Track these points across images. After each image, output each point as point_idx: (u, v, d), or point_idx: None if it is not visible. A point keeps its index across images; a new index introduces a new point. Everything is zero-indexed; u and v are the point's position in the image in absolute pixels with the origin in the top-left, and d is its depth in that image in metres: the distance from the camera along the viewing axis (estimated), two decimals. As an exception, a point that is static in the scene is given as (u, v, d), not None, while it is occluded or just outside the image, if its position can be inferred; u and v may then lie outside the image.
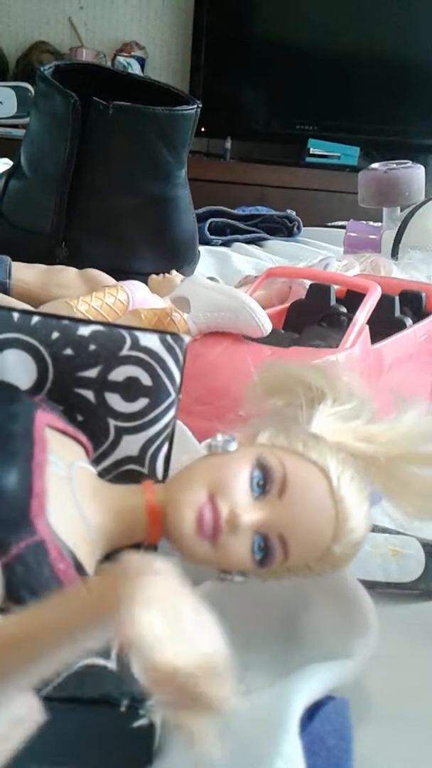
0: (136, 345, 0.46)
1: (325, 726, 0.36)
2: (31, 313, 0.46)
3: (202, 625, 0.28)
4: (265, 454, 0.44)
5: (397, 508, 0.48)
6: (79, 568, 0.39)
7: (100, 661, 0.35)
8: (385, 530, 0.57)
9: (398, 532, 0.57)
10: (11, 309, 0.46)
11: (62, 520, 0.39)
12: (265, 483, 0.43)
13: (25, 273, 1.05)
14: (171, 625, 0.26)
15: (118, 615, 0.26)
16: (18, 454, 0.38)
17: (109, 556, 0.44)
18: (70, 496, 0.41)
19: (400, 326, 0.86)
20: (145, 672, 0.26)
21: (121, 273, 1.09)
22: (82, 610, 0.28)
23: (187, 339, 0.48)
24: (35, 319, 0.46)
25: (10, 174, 1.27)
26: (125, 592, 0.26)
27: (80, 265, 1.10)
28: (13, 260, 1.05)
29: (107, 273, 1.08)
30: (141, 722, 0.35)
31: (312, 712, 0.36)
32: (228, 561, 0.44)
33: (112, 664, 0.35)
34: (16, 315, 0.45)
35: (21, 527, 0.37)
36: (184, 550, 0.43)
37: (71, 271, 1.08)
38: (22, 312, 0.46)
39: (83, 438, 0.46)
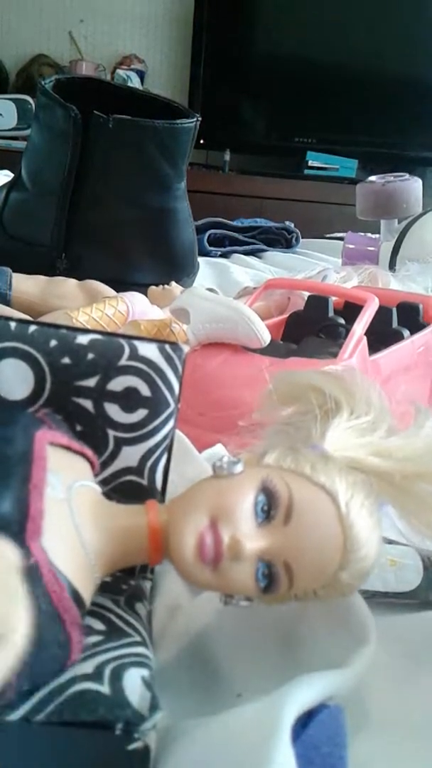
0: (134, 355, 0.46)
1: (319, 734, 0.35)
2: (28, 323, 0.46)
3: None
4: (271, 477, 0.43)
5: (411, 526, 0.47)
6: (75, 594, 0.38)
7: (93, 685, 0.35)
8: (384, 540, 0.57)
9: (396, 542, 0.57)
10: (8, 318, 0.46)
11: (59, 546, 0.39)
12: (269, 508, 0.42)
13: (25, 284, 1.06)
14: None
15: None
16: (14, 476, 0.38)
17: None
18: (69, 519, 0.40)
19: (398, 338, 0.87)
20: None
21: (121, 284, 1.10)
22: None
23: (186, 348, 0.48)
24: (32, 327, 0.46)
25: (10, 186, 1.28)
26: None
27: (80, 277, 1.11)
28: (14, 272, 1.06)
29: (107, 284, 1.08)
30: (136, 745, 0.34)
31: (306, 720, 0.36)
32: (231, 587, 0.42)
33: (104, 689, 0.35)
34: (13, 324, 0.45)
35: (16, 551, 0.36)
36: (186, 575, 0.42)
37: (71, 283, 1.09)
38: (20, 321, 0.46)
39: (89, 452, 0.45)
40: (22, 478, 0.38)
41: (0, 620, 0.28)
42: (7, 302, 1.03)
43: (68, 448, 0.44)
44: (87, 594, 0.40)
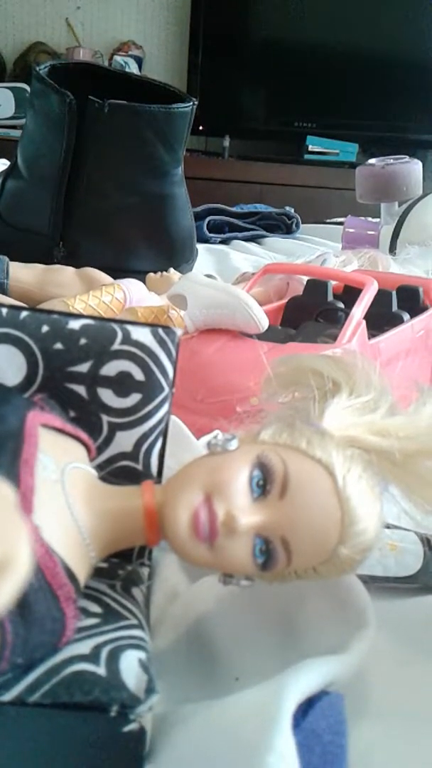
0: (127, 339, 0.46)
1: (319, 721, 0.35)
2: (20, 308, 0.46)
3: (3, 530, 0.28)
4: (267, 452, 0.42)
5: (414, 504, 0.46)
6: (69, 571, 0.38)
7: (89, 667, 0.35)
8: (384, 525, 0.56)
9: (396, 527, 0.56)
10: (0, 305, 0.45)
11: (51, 523, 0.38)
12: (265, 483, 0.41)
13: (22, 273, 1.05)
14: None
15: None
16: (4, 452, 0.37)
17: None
18: (62, 499, 0.40)
19: (398, 321, 0.86)
20: None
21: (118, 272, 1.09)
22: None
23: (179, 332, 0.47)
24: (24, 313, 0.45)
25: (6, 174, 1.27)
26: None
27: (78, 264, 1.10)
28: (11, 260, 1.05)
29: (105, 272, 1.08)
30: (131, 727, 0.34)
31: (306, 708, 0.36)
32: (228, 564, 0.42)
33: (101, 670, 0.35)
34: (4, 310, 0.45)
35: None
36: (182, 553, 0.42)
37: (69, 271, 1.08)
38: (11, 307, 0.45)
39: (84, 435, 0.45)
40: (13, 454, 0.38)
41: (2, 547, 0.27)
42: (5, 291, 1.02)
43: (62, 431, 0.44)
44: (82, 572, 0.40)
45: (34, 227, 1.21)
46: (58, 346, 0.45)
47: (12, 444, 0.38)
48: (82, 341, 0.45)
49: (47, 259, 1.14)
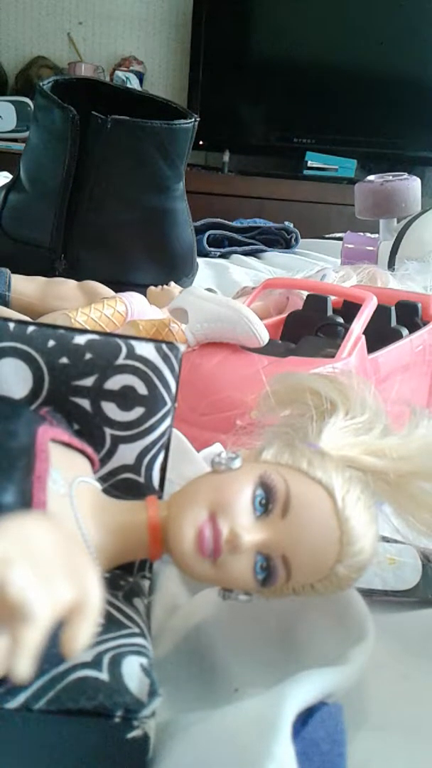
0: (131, 354, 0.47)
1: (318, 731, 0.36)
2: (27, 323, 0.46)
3: (75, 571, 0.29)
4: (269, 472, 0.43)
5: (407, 524, 0.48)
6: None
7: (92, 673, 0.36)
8: (382, 538, 0.57)
9: (395, 541, 0.57)
10: (7, 319, 0.46)
11: None
12: (267, 502, 0.43)
13: (24, 285, 1.06)
14: (29, 561, 0.28)
15: None
16: (17, 469, 0.38)
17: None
18: (70, 514, 0.41)
19: (397, 336, 0.87)
20: None
21: (119, 285, 1.10)
22: None
23: (182, 347, 0.48)
24: (31, 328, 0.46)
25: (9, 187, 1.28)
26: None
27: (79, 278, 1.11)
28: (13, 273, 1.06)
29: (106, 285, 1.09)
30: (135, 733, 0.35)
31: (306, 718, 0.36)
32: (229, 580, 0.43)
33: (104, 675, 0.36)
34: (12, 325, 0.46)
35: None
36: (185, 568, 0.43)
37: (70, 284, 1.09)
38: (18, 322, 0.46)
39: (89, 450, 0.46)
40: (25, 470, 0.39)
41: (77, 589, 0.29)
42: (6, 303, 1.03)
43: (69, 446, 0.44)
44: None
45: (36, 240, 1.23)
46: (64, 360, 0.46)
47: (24, 460, 0.39)
48: (87, 356, 0.46)
49: (49, 272, 1.15)
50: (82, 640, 0.29)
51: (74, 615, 0.29)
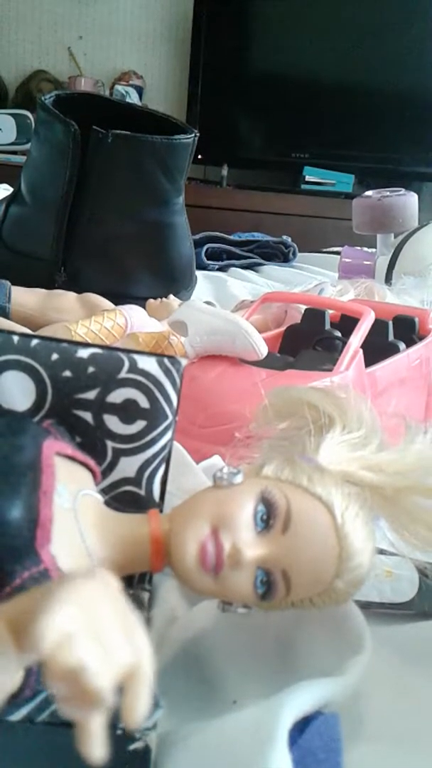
0: (134, 368, 0.47)
1: (315, 740, 0.36)
2: (31, 336, 0.47)
3: (128, 635, 0.29)
4: (270, 488, 0.44)
5: (402, 539, 0.48)
6: None
7: None
8: (379, 551, 0.57)
9: (392, 553, 0.57)
10: (11, 332, 0.47)
11: (67, 554, 0.40)
12: (268, 518, 0.43)
13: (24, 297, 1.07)
14: (88, 630, 0.27)
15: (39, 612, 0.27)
16: (24, 484, 0.39)
17: None
18: (75, 527, 0.42)
19: (394, 351, 0.87)
20: (43, 662, 0.26)
21: (119, 297, 1.11)
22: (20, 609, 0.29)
23: (184, 362, 0.49)
24: (35, 341, 0.47)
25: (10, 200, 1.29)
26: (51, 592, 0.27)
27: (79, 290, 1.11)
28: (13, 284, 1.07)
29: (105, 297, 1.09)
30: (137, 745, 0.35)
31: (302, 727, 0.37)
32: (230, 594, 0.44)
33: None
34: (16, 338, 0.46)
35: (26, 557, 0.37)
36: (187, 582, 0.44)
37: (70, 296, 1.10)
38: (22, 335, 0.47)
39: (92, 462, 0.47)
40: (32, 485, 0.39)
41: (131, 657, 0.28)
42: (6, 315, 1.04)
43: (72, 458, 0.45)
44: None
45: (36, 253, 1.23)
46: (67, 373, 0.46)
47: (31, 475, 0.40)
48: (90, 369, 0.47)
49: (48, 284, 1.16)
50: (143, 708, 0.28)
51: (131, 681, 0.28)
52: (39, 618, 0.26)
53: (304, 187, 3.21)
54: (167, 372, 0.48)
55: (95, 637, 0.27)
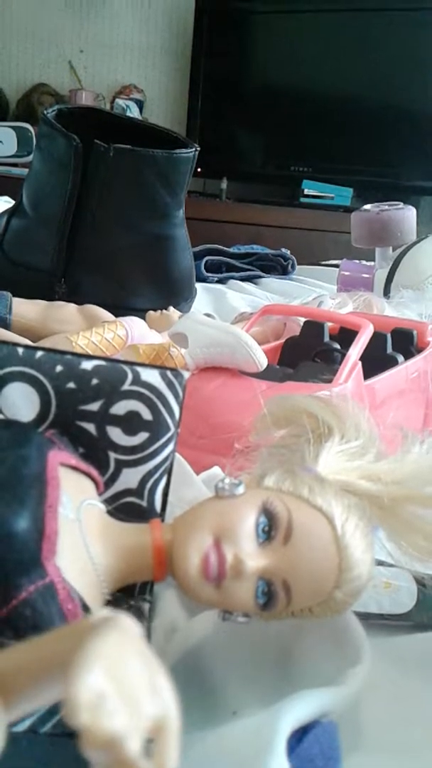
0: (137, 380, 0.48)
1: (313, 748, 0.36)
2: (35, 348, 0.48)
3: (154, 687, 0.28)
4: (272, 499, 0.45)
5: (400, 548, 0.49)
6: (86, 609, 0.40)
7: None
8: (378, 563, 0.58)
9: (391, 565, 0.58)
10: (16, 344, 0.47)
11: (71, 564, 0.40)
12: (270, 529, 0.44)
13: (25, 308, 1.07)
14: (117, 688, 0.27)
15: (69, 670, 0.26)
16: (30, 496, 0.39)
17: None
18: (79, 537, 0.42)
19: (392, 363, 0.88)
20: (81, 732, 0.26)
21: (119, 309, 1.11)
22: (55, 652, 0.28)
23: (186, 375, 0.49)
24: (39, 353, 0.47)
25: (11, 212, 1.30)
26: (80, 648, 0.27)
27: (79, 301, 1.12)
28: (14, 296, 1.07)
29: (106, 309, 1.10)
30: None
31: (301, 735, 0.37)
32: (231, 603, 0.44)
33: None
34: (20, 350, 0.47)
35: (33, 570, 0.37)
36: (189, 592, 0.44)
37: (71, 307, 1.10)
38: (26, 347, 0.47)
39: (94, 473, 0.47)
40: (38, 498, 0.40)
41: (158, 709, 0.28)
42: (7, 326, 1.04)
43: (75, 469, 0.45)
44: (96, 609, 0.41)
45: (37, 264, 1.24)
46: (71, 385, 0.47)
47: (37, 486, 0.40)
48: (94, 381, 0.47)
49: (49, 296, 1.16)
50: (174, 759, 0.28)
51: (160, 734, 0.28)
52: (69, 681, 0.26)
53: (302, 200, 3.23)
54: (170, 384, 0.48)
55: (125, 695, 0.27)
